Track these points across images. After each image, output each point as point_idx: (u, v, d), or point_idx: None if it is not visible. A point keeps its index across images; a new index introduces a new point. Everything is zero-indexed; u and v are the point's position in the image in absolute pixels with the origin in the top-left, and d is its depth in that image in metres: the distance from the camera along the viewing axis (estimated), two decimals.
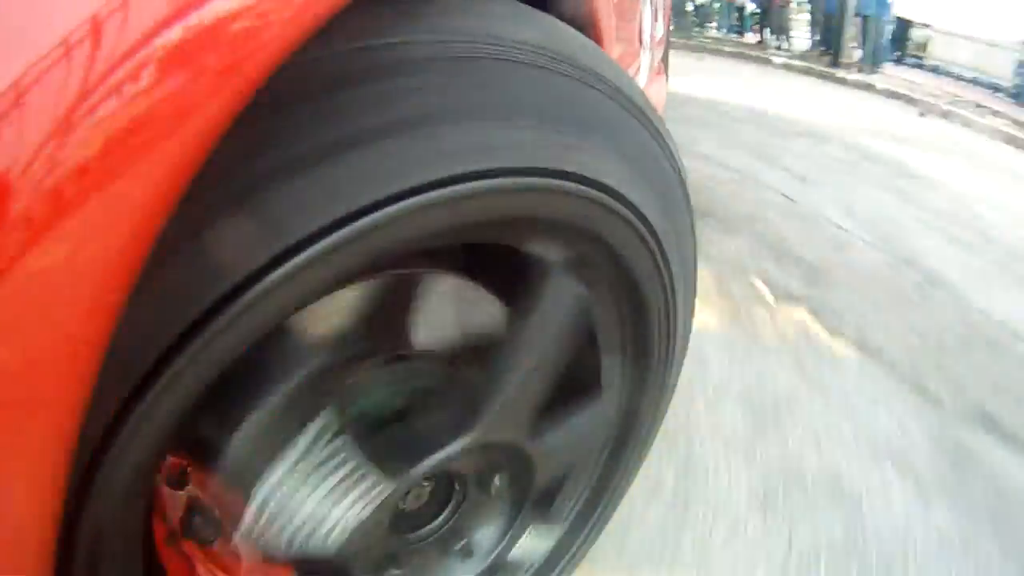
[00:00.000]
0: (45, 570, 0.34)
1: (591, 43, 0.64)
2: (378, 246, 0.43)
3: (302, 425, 0.52)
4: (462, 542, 0.65)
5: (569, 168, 0.53)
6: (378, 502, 0.52)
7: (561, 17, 0.68)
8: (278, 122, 0.39)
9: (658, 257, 0.65)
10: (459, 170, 0.45)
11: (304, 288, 0.41)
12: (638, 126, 0.61)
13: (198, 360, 0.38)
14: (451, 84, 0.46)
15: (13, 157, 0.25)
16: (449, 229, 0.47)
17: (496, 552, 0.69)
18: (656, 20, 1.99)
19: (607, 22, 0.81)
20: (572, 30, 0.63)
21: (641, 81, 1.65)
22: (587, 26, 0.76)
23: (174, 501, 0.53)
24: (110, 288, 0.30)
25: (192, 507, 0.52)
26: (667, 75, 2.98)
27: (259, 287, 0.38)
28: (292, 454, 0.51)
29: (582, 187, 0.54)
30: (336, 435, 0.52)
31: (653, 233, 0.63)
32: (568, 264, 0.60)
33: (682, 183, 0.69)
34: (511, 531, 0.70)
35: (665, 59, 2.83)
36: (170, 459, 0.50)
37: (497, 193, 0.49)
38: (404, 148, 0.43)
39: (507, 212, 0.52)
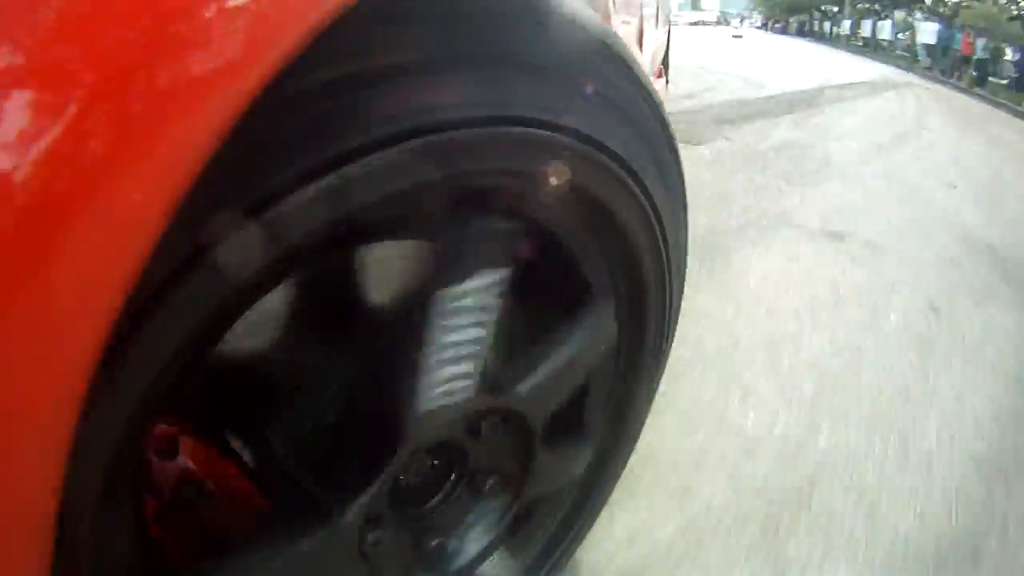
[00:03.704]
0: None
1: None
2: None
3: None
4: (490, 481, 0.66)
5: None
6: None
7: None
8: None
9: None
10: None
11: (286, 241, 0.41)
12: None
13: (172, 321, 0.38)
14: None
15: (15, 155, 0.25)
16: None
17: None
18: (657, 26, 2.01)
19: (607, 23, 0.83)
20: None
21: None
22: None
23: (164, 473, 0.54)
24: (111, 287, 0.30)
25: (183, 478, 0.53)
26: (667, 78, 2.99)
27: (238, 239, 0.38)
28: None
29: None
30: None
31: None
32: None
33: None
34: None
35: (665, 62, 2.84)
36: (158, 428, 0.51)
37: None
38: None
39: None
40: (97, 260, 0.29)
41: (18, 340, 0.28)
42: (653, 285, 0.73)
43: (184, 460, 0.53)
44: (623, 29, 1.16)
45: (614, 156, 0.60)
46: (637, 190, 0.64)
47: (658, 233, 0.69)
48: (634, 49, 1.37)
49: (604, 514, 0.91)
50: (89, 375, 0.31)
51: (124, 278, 0.30)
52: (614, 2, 1.00)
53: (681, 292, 0.83)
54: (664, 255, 0.72)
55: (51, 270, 0.28)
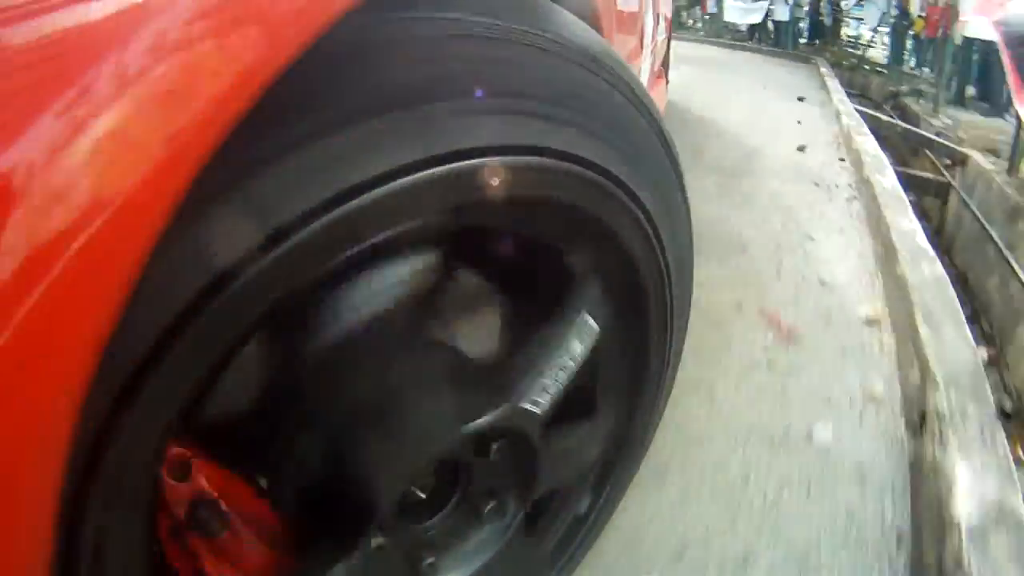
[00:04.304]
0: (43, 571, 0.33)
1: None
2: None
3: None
4: (492, 503, 0.64)
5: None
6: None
7: None
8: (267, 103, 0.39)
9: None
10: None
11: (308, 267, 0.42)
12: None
13: (196, 347, 0.38)
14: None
15: (14, 156, 0.25)
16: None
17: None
18: (657, 25, 2.01)
19: (609, 25, 0.83)
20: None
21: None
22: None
23: (178, 494, 0.53)
24: (112, 285, 0.30)
25: (197, 499, 0.52)
26: (667, 79, 2.99)
27: (249, 273, 0.38)
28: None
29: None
30: None
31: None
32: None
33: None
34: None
35: (665, 63, 2.84)
36: (173, 450, 0.50)
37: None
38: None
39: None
40: (94, 263, 0.29)
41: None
42: (653, 291, 0.72)
43: (198, 481, 0.52)
44: (624, 32, 1.16)
45: (618, 182, 0.61)
46: (639, 212, 0.64)
47: (658, 252, 0.69)
48: (636, 50, 1.37)
49: None
50: (85, 382, 0.30)
51: (121, 282, 0.30)
52: (615, 4, 0.99)
53: (687, 300, 0.83)
54: (663, 260, 0.71)
55: (49, 273, 0.27)
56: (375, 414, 0.54)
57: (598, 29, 0.79)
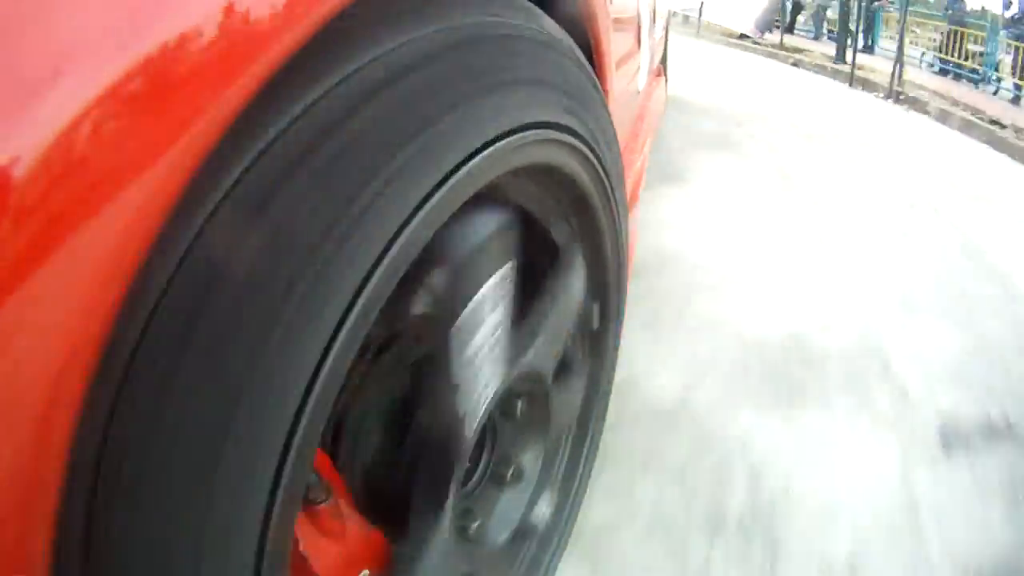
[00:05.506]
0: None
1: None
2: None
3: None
4: (511, 468, 0.72)
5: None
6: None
7: (560, 15, 0.72)
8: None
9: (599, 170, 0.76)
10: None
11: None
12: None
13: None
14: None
15: (13, 152, 0.25)
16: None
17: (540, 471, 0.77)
18: (654, 24, 2.02)
19: (604, 22, 0.85)
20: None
21: (640, 82, 1.68)
22: (585, 25, 0.79)
23: None
24: (108, 284, 0.30)
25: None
26: (666, 77, 3.01)
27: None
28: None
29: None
30: None
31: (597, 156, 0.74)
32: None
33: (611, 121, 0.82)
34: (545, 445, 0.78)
35: (664, 61, 2.86)
36: None
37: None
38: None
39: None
40: (87, 261, 0.28)
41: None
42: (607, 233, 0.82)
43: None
44: (620, 30, 1.18)
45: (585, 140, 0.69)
46: (596, 163, 0.73)
47: (610, 194, 0.79)
48: (633, 47, 1.39)
49: None
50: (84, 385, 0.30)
51: (118, 280, 0.30)
52: (611, 3, 1.01)
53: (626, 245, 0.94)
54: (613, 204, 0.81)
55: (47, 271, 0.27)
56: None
57: (593, 29, 0.81)
